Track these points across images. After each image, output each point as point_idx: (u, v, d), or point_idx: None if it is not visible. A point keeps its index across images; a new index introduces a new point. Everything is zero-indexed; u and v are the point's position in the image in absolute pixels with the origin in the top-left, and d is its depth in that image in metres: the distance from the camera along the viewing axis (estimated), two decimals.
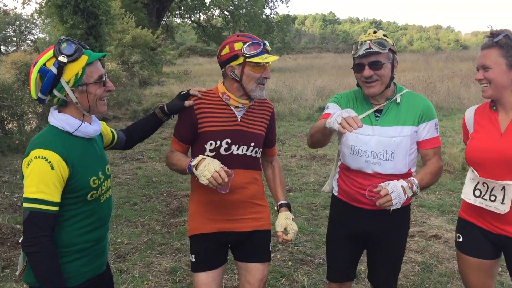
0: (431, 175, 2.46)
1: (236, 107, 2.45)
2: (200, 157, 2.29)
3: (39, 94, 1.97)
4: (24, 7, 59.98)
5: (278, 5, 58.70)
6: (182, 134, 2.49)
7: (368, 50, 2.38)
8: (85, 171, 1.98)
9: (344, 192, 2.65)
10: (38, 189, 1.83)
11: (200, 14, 35.03)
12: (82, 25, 16.56)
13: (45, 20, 24.60)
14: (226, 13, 33.65)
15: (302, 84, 17.84)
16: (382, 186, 2.28)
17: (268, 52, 2.36)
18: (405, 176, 2.48)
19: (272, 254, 4.44)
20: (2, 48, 67.11)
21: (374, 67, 2.41)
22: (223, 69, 2.44)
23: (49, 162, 1.85)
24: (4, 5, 23.84)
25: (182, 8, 34.72)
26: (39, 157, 1.86)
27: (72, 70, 1.93)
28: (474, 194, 2.36)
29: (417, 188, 2.34)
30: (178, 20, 39.55)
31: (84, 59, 1.95)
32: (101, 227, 2.13)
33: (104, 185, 2.11)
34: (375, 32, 2.46)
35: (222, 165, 2.24)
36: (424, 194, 6.14)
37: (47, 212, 1.85)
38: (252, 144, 2.47)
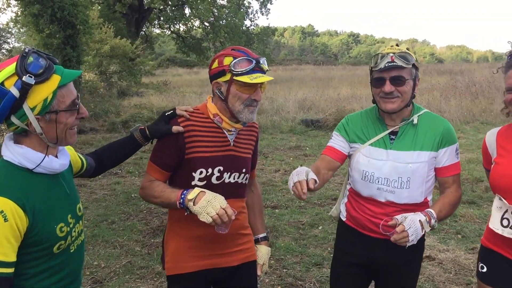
0: (450, 206, 2.27)
1: (229, 130, 2.19)
2: (197, 189, 1.97)
3: None
4: None
5: (258, 17, 59.08)
6: (165, 160, 2.14)
7: (391, 64, 2.18)
8: (49, 218, 1.59)
9: (352, 218, 2.44)
10: None
11: (180, 24, 34.78)
12: (59, 34, 16.19)
13: (21, 29, 24.09)
14: (206, 24, 33.46)
15: (283, 96, 17.70)
16: (398, 219, 2.06)
17: (262, 71, 2.07)
18: (421, 205, 2.28)
19: (260, 278, 4.20)
20: None
21: (396, 82, 2.21)
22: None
23: (1, 211, 1.45)
24: None
25: (162, 18, 34.40)
26: None
27: (40, 94, 1.53)
28: (501, 224, 2.13)
29: (435, 221, 2.14)
30: (158, 31, 39.18)
31: (55, 79, 1.55)
32: (74, 281, 1.76)
33: (74, 231, 1.73)
34: (397, 45, 2.27)
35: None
36: None
37: (1, 275, 1.45)
38: (244, 170, 2.23)
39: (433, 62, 69.69)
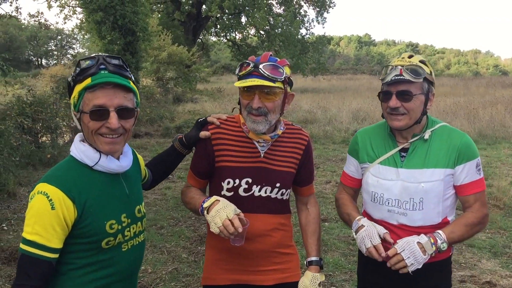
0: (466, 227, 2.04)
1: (258, 141, 2.07)
2: (214, 198, 1.91)
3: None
4: (65, 22, 62.08)
5: (314, 26, 58.84)
6: (198, 168, 2.14)
7: (398, 77, 2.01)
8: (100, 214, 1.65)
9: None
10: (33, 230, 1.54)
11: (236, 33, 35.20)
12: (119, 41, 16.78)
13: (85, 36, 25.19)
14: (262, 32, 33.68)
15: (336, 106, 17.44)
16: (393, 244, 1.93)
17: (263, 77, 1.90)
18: (439, 227, 2.06)
19: None
20: (44, 61, 69.48)
21: (402, 97, 2.03)
22: None
23: (50, 200, 1.55)
24: (45, 20, 24.48)
25: (218, 26, 34.99)
26: (41, 192, 1.57)
27: (74, 92, 1.67)
28: None
29: (443, 243, 1.94)
30: (214, 38, 39.92)
31: (86, 82, 1.62)
32: (123, 280, 1.77)
33: (128, 231, 1.76)
34: (410, 57, 2.09)
35: (239, 211, 1.86)
36: None
37: (40, 258, 1.54)
38: (278, 184, 2.09)
39: (496, 74, 66.70)
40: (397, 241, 1.97)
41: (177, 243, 5.30)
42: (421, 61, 2.07)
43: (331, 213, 6.42)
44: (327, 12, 35.82)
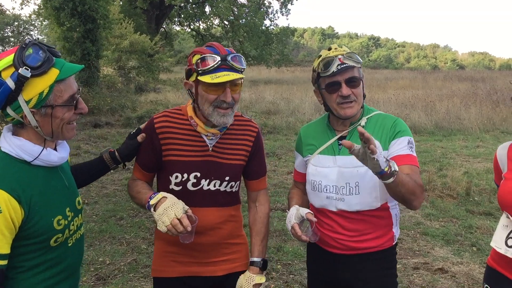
0: (408, 177, 1.91)
1: (206, 135, 2.04)
2: (161, 194, 1.85)
3: None
4: (22, 8, 59.73)
5: (278, 17, 58.82)
6: (144, 161, 2.08)
7: (344, 66, 2.04)
8: (47, 211, 1.57)
9: None
10: None
11: (200, 22, 34.82)
12: (79, 28, 16.34)
13: (44, 22, 24.36)
14: (226, 22, 33.45)
15: (299, 97, 17.59)
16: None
17: (232, 69, 1.89)
18: (379, 211, 2.11)
19: (266, 283, 4.11)
20: (0, 48, 66.77)
21: (351, 84, 2.07)
22: None
23: None
24: (0, 5, 23.50)
25: (182, 15, 34.49)
26: None
27: (36, 88, 1.49)
28: (506, 244, 1.97)
29: (394, 164, 1.81)
30: (177, 28, 39.35)
31: (53, 73, 1.51)
32: (70, 277, 1.72)
33: (73, 225, 1.69)
34: (336, 49, 2.12)
35: (187, 208, 1.84)
36: (427, 220, 5.83)
37: None
38: (227, 178, 2.06)
39: (454, 68, 68.79)
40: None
41: (137, 234, 5.25)
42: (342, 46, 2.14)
43: None
44: (291, 4, 35.91)
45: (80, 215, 1.78)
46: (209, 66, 1.86)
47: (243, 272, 2.15)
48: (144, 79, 23.49)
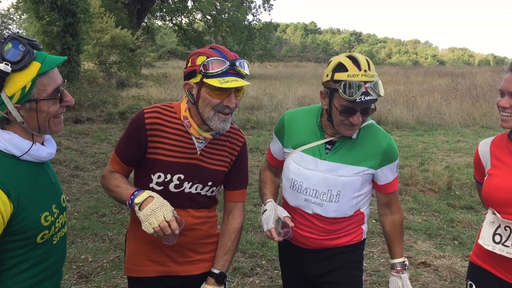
0: (401, 231, 2.29)
1: (197, 137, 2.00)
2: (147, 193, 1.81)
3: None
4: (0, 1, 58.30)
5: (261, 12, 58.65)
6: (126, 154, 1.99)
7: (367, 99, 1.96)
8: (34, 206, 1.54)
9: None
10: None
11: (182, 17, 34.56)
12: (59, 22, 16.06)
13: (22, 16, 23.86)
14: (209, 17, 33.23)
15: (282, 93, 17.61)
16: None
17: (238, 75, 1.87)
18: (351, 218, 2.18)
19: (250, 279, 4.11)
20: None
21: (365, 113, 2.03)
22: None
23: None
24: None
25: (164, 10, 34.19)
26: None
27: (18, 83, 1.46)
28: (493, 240, 1.99)
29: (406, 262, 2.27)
30: (159, 22, 38.96)
31: (35, 67, 1.48)
32: (53, 275, 1.69)
33: (58, 222, 1.66)
34: (368, 66, 2.00)
35: (174, 211, 1.81)
36: (409, 215, 5.90)
37: None
38: (210, 183, 2.03)
39: (434, 64, 69.67)
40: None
41: (119, 231, 5.19)
42: (368, 62, 2.02)
43: None
44: None
45: (64, 213, 1.75)
46: (218, 70, 1.83)
47: None
48: (126, 74, 23.19)
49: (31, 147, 1.55)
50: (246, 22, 33.78)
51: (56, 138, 9.11)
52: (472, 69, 35.49)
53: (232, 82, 1.83)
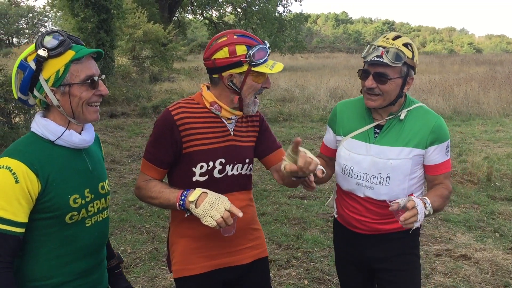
0: (442, 198, 2.11)
1: (228, 119, 2.03)
2: (199, 190, 1.84)
3: (19, 94, 1.67)
4: (36, 0, 59.96)
5: (291, 3, 58.31)
6: (162, 158, 1.98)
7: (377, 59, 2.03)
8: (63, 188, 1.64)
9: (340, 215, 2.36)
10: None
11: (213, 10, 34.67)
12: (93, 18, 16.38)
13: (57, 13, 24.46)
14: (239, 10, 33.26)
15: (314, 84, 17.45)
16: (401, 202, 1.89)
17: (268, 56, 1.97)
18: (403, 211, 2.12)
19: (286, 271, 4.12)
20: (15, 40, 67.47)
21: (378, 79, 2.06)
22: (215, 75, 1.98)
23: (14, 173, 1.54)
24: None
25: (195, 4, 34.37)
26: (3, 166, 1.55)
27: (53, 67, 1.62)
28: None
29: (430, 208, 1.96)
30: (190, 16, 39.22)
31: (69, 54, 1.63)
32: (87, 256, 1.76)
33: (92, 206, 1.75)
34: (396, 38, 2.08)
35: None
36: (447, 207, 5.76)
37: (7, 233, 1.53)
38: (247, 160, 2.08)
39: (471, 52, 67.66)
40: (398, 200, 1.91)
41: (156, 223, 5.28)
42: (404, 44, 2.07)
43: (309, 191, 6.46)
44: None
45: (103, 199, 1.82)
46: (264, 57, 1.92)
47: (265, 258, 2.19)
48: (158, 69, 23.50)
49: (63, 132, 1.67)
50: (276, 14, 33.62)
51: None
52: (511, 57, 34.28)
53: (277, 65, 1.93)
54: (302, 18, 35.78)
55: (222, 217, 1.76)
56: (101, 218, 1.81)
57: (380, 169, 2.13)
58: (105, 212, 1.84)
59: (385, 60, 2.02)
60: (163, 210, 5.66)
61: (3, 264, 1.52)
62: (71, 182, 1.68)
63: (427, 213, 1.94)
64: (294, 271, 4.12)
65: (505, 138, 9.73)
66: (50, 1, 23.76)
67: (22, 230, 1.56)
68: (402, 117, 2.15)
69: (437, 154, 2.15)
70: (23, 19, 69.25)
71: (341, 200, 2.33)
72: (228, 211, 1.78)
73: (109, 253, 2.01)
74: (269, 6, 32.28)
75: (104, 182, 1.84)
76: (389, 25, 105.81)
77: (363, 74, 2.12)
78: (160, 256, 4.41)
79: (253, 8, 32.51)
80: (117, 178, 7.13)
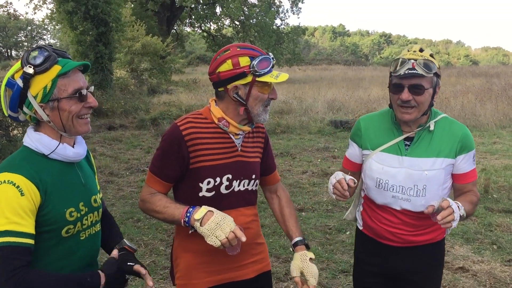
0: (471, 204, 2.15)
1: (236, 134, 2.04)
2: (205, 208, 1.83)
3: (9, 111, 1.68)
4: (35, 13, 60.26)
5: (289, 16, 58.57)
6: (168, 172, 1.98)
7: (411, 71, 2.05)
8: (60, 201, 1.66)
9: (369, 227, 2.36)
10: (8, 220, 1.52)
11: (211, 23, 34.89)
12: (92, 31, 16.49)
13: (56, 26, 24.59)
14: (237, 23, 33.50)
15: (312, 96, 17.53)
16: (435, 204, 1.97)
17: (273, 67, 1.99)
18: (437, 212, 2.16)
19: (285, 284, 4.11)
20: (14, 53, 67.67)
21: (414, 91, 2.08)
22: (221, 89, 1.99)
23: (17, 186, 1.55)
24: (14, 10, 23.89)
25: (193, 17, 34.62)
26: (4, 182, 1.55)
27: (40, 83, 1.63)
28: None
29: (463, 209, 1.99)
30: (188, 29, 39.47)
31: (55, 69, 1.64)
32: (81, 270, 1.76)
33: (86, 219, 1.76)
34: (421, 50, 2.12)
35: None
36: None
37: (21, 245, 1.53)
38: (254, 176, 2.10)
39: (467, 64, 68.07)
40: (433, 203, 2.01)
41: (155, 236, 5.28)
42: (431, 55, 2.12)
43: (308, 202, 6.48)
44: (302, 3, 35.86)
45: (96, 212, 1.83)
46: (268, 67, 1.93)
47: (268, 272, 2.20)
48: (157, 81, 23.62)
49: (57, 146, 1.68)
50: (274, 27, 33.85)
51: (90, 145, 9.31)
52: (507, 69, 34.49)
53: (282, 75, 1.93)
54: (299, 30, 36.03)
55: (227, 238, 1.76)
56: (94, 231, 1.83)
57: (416, 181, 2.16)
58: (97, 225, 1.86)
59: (419, 71, 2.04)
60: (161, 223, 5.65)
61: (25, 268, 1.53)
62: (67, 196, 1.70)
63: (461, 214, 1.97)
64: (293, 284, 4.12)
65: (502, 150, 9.76)
66: (49, 14, 23.92)
67: (33, 241, 1.57)
68: (431, 128, 2.18)
69: (465, 163, 2.19)
70: (22, 32, 69.56)
71: (372, 213, 2.33)
72: (233, 232, 1.78)
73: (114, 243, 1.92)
74: (267, 19, 32.53)
75: (96, 195, 1.86)
76: (386, 38, 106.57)
77: (396, 88, 2.13)
78: (158, 269, 4.40)
79: (251, 21, 32.75)
80: (115, 190, 7.12)
